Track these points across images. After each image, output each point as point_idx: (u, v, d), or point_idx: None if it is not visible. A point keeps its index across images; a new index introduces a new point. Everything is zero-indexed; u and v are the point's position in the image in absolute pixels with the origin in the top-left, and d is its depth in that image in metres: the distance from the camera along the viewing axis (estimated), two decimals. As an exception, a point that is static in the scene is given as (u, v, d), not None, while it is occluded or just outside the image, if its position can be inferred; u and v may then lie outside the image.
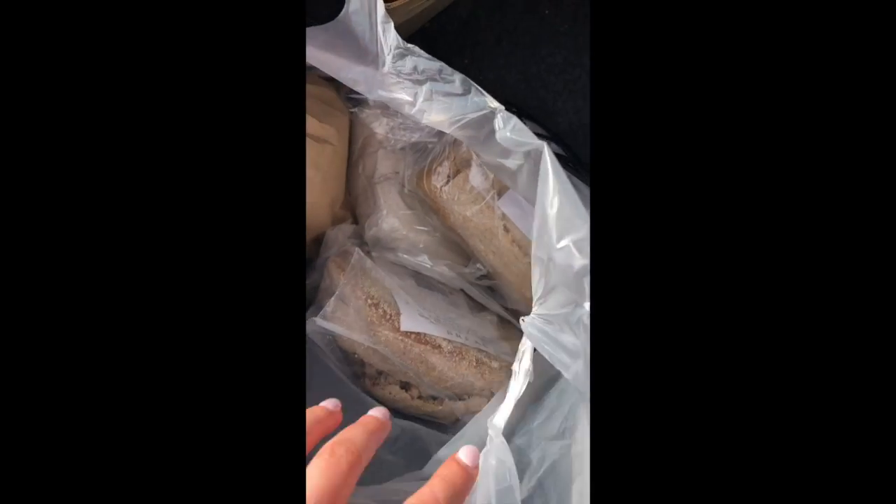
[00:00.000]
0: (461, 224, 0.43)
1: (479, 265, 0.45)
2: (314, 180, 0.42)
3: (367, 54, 0.33)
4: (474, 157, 0.43)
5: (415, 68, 0.32)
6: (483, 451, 0.28)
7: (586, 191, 0.49)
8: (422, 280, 0.46)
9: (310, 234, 0.45)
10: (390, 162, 0.47)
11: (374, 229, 0.45)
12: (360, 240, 0.47)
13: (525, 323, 0.30)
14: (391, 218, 0.45)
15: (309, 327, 0.41)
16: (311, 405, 0.48)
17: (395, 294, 0.41)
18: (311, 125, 0.42)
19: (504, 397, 0.32)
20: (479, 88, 0.33)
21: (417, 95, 0.32)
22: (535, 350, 0.31)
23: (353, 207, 0.50)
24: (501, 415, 0.30)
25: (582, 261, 0.27)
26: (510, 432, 0.34)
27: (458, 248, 0.47)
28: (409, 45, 0.33)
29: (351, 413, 0.38)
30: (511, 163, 0.32)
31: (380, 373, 0.42)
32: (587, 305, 0.28)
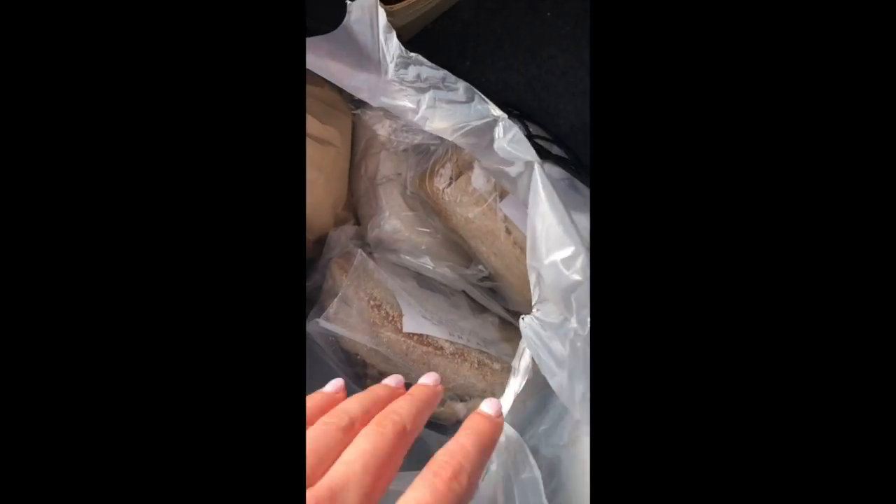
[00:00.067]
0: (463, 226, 0.44)
1: (480, 267, 0.45)
2: (317, 181, 0.43)
3: (370, 62, 0.34)
4: (476, 159, 0.43)
5: (418, 76, 0.33)
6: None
7: (587, 192, 0.49)
8: (423, 281, 0.47)
9: (312, 234, 0.46)
10: (392, 163, 0.47)
11: (376, 230, 0.45)
12: (362, 241, 0.47)
13: (524, 323, 0.31)
14: (393, 219, 0.45)
15: (312, 328, 0.41)
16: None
17: (398, 295, 0.42)
18: (314, 127, 0.42)
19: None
20: (483, 96, 0.33)
21: (420, 103, 0.33)
22: None
23: (355, 208, 0.50)
24: (504, 407, 0.31)
25: (569, 278, 0.28)
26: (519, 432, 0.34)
27: (460, 249, 0.47)
28: (412, 54, 0.33)
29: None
30: (512, 170, 0.33)
31: (382, 374, 0.43)
32: (574, 321, 0.28)
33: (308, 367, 0.41)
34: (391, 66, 0.33)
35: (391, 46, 0.33)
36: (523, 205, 0.43)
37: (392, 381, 0.29)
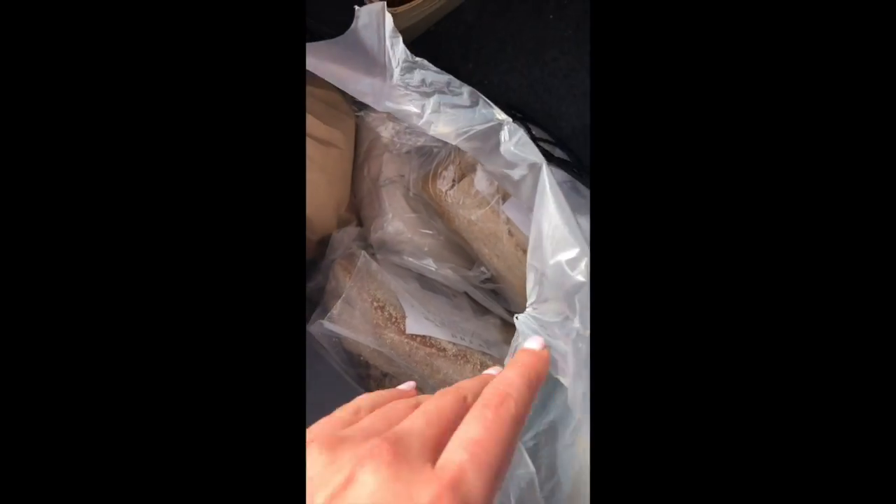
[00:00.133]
0: (466, 228, 0.44)
1: (483, 268, 0.46)
2: (320, 183, 0.43)
3: (375, 67, 0.34)
4: (480, 163, 0.43)
5: (423, 81, 0.33)
6: None
7: (588, 194, 0.50)
8: (426, 283, 0.47)
9: (315, 235, 0.46)
10: (395, 165, 0.47)
11: (379, 232, 0.46)
12: (365, 242, 0.48)
13: (519, 321, 0.31)
14: (396, 221, 0.46)
15: (315, 329, 0.41)
16: (315, 406, 0.49)
17: (401, 297, 0.42)
18: (318, 128, 0.43)
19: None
20: (488, 101, 0.33)
21: (425, 107, 0.33)
22: None
23: (357, 210, 0.50)
24: None
25: (573, 279, 0.28)
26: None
27: (462, 251, 0.47)
28: (418, 59, 0.33)
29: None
30: (516, 173, 0.33)
31: (385, 375, 0.43)
32: (577, 321, 0.29)
33: (311, 368, 0.41)
34: (396, 71, 0.33)
35: (397, 51, 0.33)
36: (526, 208, 0.44)
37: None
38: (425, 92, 0.33)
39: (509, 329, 0.47)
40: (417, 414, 0.22)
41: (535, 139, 0.48)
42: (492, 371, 0.28)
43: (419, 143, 0.46)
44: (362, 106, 0.47)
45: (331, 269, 0.44)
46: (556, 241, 0.29)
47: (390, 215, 0.46)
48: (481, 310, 0.48)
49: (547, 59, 0.55)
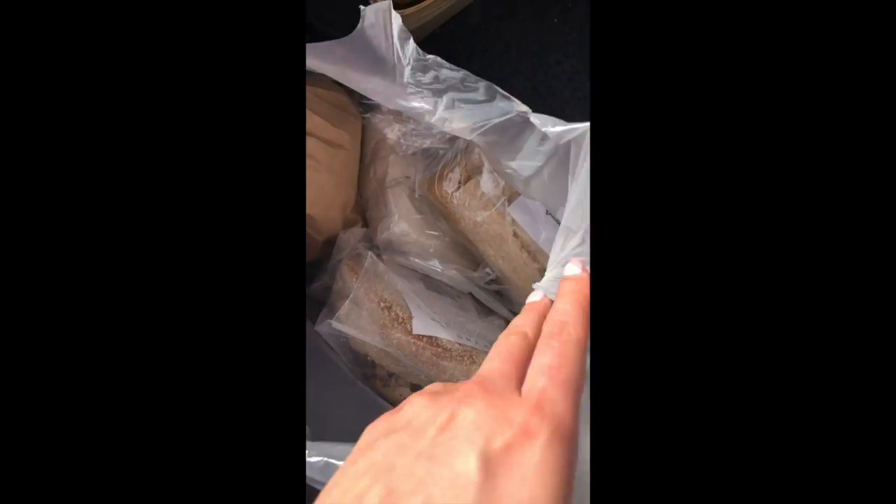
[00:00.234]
0: (471, 229, 0.44)
1: (487, 269, 0.46)
2: (327, 184, 0.43)
3: (384, 66, 0.34)
4: (486, 163, 0.43)
5: (435, 78, 0.33)
6: None
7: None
8: (431, 284, 0.47)
9: (321, 236, 0.46)
10: (401, 167, 0.48)
11: (385, 233, 0.46)
12: (371, 243, 0.48)
13: (540, 284, 0.30)
14: (402, 222, 0.46)
15: (323, 329, 0.41)
16: (316, 407, 0.49)
17: (407, 297, 0.42)
18: (326, 130, 0.43)
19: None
20: (505, 94, 0.33)
21: (438, 104, 0.33)
22: None
23: (363, 211, 0.50)
24: None
25: None
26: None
27: (468, 252, 0.47)
28: (430, 56, 0.34)
29: (360, 413, 0.39)
30: (531, 166, 0.33)
31: (391, 374, 0.43)
32: None
33: (318, 368, 0.41)
34: (407, 70, 0.33)
35: (407, 50, 0.33)
36: (532, 207, 0.44)
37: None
38: (437, 89, 0.33)
39: (514, 330, 0.47)
40: (491, 357, 0.24)
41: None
42: (534, 297, 0.29)
43: (425, 145, 0.46)
44: (369, 107, 0.48)
45: (337, 270, 0.44)
46: None
47: (396, 216, 0.46)
48: (486, 311, 0.48)
49: (551, 62, 0.56)
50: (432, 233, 0.46)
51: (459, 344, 0.42)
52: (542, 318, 0.26)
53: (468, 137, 0.33)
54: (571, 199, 0.30)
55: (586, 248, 0.29)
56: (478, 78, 0.33)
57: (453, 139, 0.45)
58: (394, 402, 0.43)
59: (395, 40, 0.34)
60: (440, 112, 0.33)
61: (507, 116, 0.32)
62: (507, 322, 0.47)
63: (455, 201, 0.44)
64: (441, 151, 0.45)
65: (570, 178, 0.31)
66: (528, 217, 0.44)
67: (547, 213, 0.44)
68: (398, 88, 0.34)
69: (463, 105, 0.33)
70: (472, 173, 0.44)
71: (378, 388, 0.44)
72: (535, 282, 0.31)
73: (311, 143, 0.42)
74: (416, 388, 0.43)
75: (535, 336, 0.25)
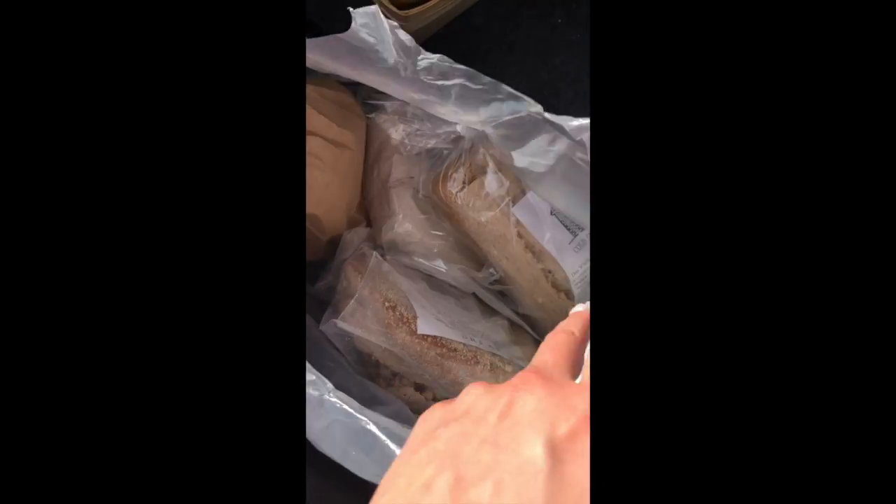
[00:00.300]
0: (475, 230, 0.44)
1: (491, 270, 0.46)
2: (332, 184, 0.43)
3: (388, 61, 0.34)
4: (490, 163, 0.43)
5: (442, 75, 0.33)
6: None
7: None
8: (434, 284, 0.47)
9: (325, 236, 0.46)
10: (405, 167, 0.48)
11: (389, 233, 0.46)
12: (374, 243, 0.48)
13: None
14: (406, 223, 0.46)
15: (327, 329, 0.41)
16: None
17: (412, 297, 0.42)
18: (330, 130, 0.43)
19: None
20: (516, 92, 0.33)
21: (446, 97, 0.33)
22: None
23: (367, 211, 0.50)
24: None
25: None
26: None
27: (471, 252, 0.47)
28: (436, 56, 0.33)
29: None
30: (542, 164, 0.33)
31: (395, 374, 0.43)
32: None
33: (321, 367, 0.41)
34: (410, 64, 0.33)
35: (410, 49, 0.33)
36: (536, 207, 0.44)
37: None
38: (444, 85, 0.33)
39: (517, 330, 0.47)
40: (542, 351, 0.25)
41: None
42: (579, 308, 0.30)
43: (430, 145, 0.46)
44: (373, 107, 0.48)
45: (342, 270, 0.44)
46: None
47: (400, 216, 0.46)
48: (489, 311, 0.48)
49: (555, 63, 0.56)
50: (436, 233, 0.46)
51: (464, 344, 0.42)
52: (587, 322, 0.27)
53: (479, 128, 0.33)
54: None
55: None
56: (486, 77, 0.33)
57: (458, 139, 0.45)
58: (397, 403, 0.43)
59: (390, 36, 0.33)
60: (450, 104, 0.33)
61: (519, 115, 0.32)
62: (511, 322, 0.47)
63: (459, 202, 0.44)
64: (445, 152, 0.45)
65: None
66: (532, 217, 0.44)
67: (552, 212, 0.44)
68: (404, 82, 0.34)
69: (471, 100, 0.33)
70: (476, 173, 0.44)
71: (382, 388, 0.44)
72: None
73: (315, 143, 0.42)
74: (420, 388, 0.43)
75: (582, 336, 0.26)
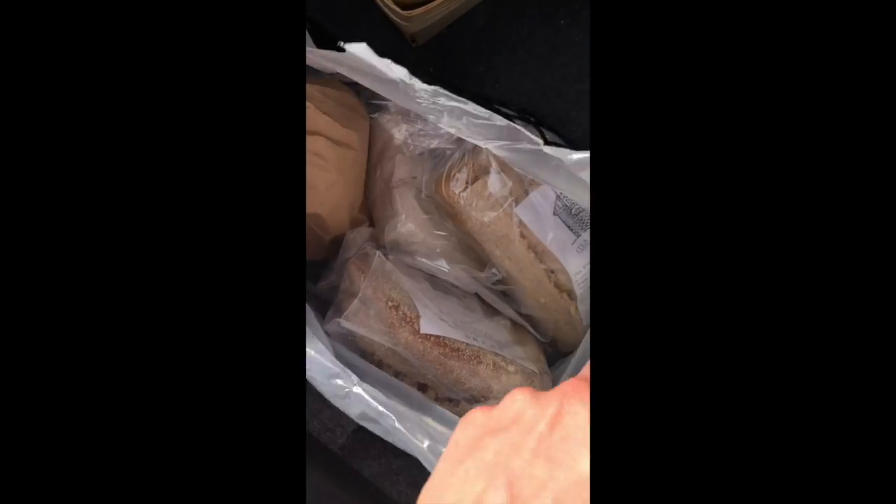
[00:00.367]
0: (478, 230, 0.44)
1: (494, 270, 0.46)
2: (336, 184, 0.43)
3: (387, 74, 0.34)
4: (493, 164, 0.44)
5: (438, 102, 0.33)
6: None
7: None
8: (436, 284, 0.47)
9: (329, 235, 0.46)
10: (408, 167, 0.48)
11: (392, 233, 0.46)
12: (377, 243, 0.48)
13: None
14: (409, 223, 0.46)
15: (331, 328, 0.42)
16: (321, 404, 0.49)
17: (415, 297, 0.42)
18: (334, 130, 0.43)
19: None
20: (515, 125, 0.33)
21: (443, 116, 0.33)
22: None
23: (369, 210, 0.51)
24: None
25: None
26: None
27: (474, 252, 0.48)
28: (432, 87, 0.34)
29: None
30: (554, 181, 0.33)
31: (398, 373, 0.43)
32: None
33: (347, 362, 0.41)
34: (409, 85, 0.33)
35: (412, 83, 0.33)
36: (539, 208, 0.44)
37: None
38: (441, 109, 0.33)
39: (520, 331, 0.48)
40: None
41: (547, 143, 0.48)
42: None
43: (433, 146, 0.46)
44: (377, 107, 0.48)
45: (345, 269, 0.44)
46: None
47: (403, 216, 0.46)
48: (491, 311, 0.48)
49: (558, 64, 0.56)
50: (439, 233, 0.46)
51: (467, 344, 0.42)
52: None
53: (481, 146, 0.33)
54: None
55: None
56: (483, 109, 0.33)
57: (461, 140, 0.45)
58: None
59: (388, 73, 0.34)
60: (446, 121, 0.33)
61: (518, 145, 0.32)
62: (513, 322, 0.48)
63: (462, 202, 0.44)
64: (448, 152, 0.46)
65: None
66: (535, 218, 0.44)
67: (554, 213, 0.44)
68: (404, 96, 0.34)
69: (473, 127, 0.33)
70: (479, 174, 0.44)
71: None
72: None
73: (319, 143, 0.42)
74: (422, 387, 0.43)
75: None
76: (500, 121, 0.33)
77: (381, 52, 0.46)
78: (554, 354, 0.50)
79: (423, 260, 0.46)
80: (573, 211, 0.45)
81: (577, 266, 0.45)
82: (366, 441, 0.51)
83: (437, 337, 0.41)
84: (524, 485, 0.19)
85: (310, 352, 0.37)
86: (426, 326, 0.41)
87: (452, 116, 0.33)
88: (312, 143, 0.42)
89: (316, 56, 0.38)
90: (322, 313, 0.44)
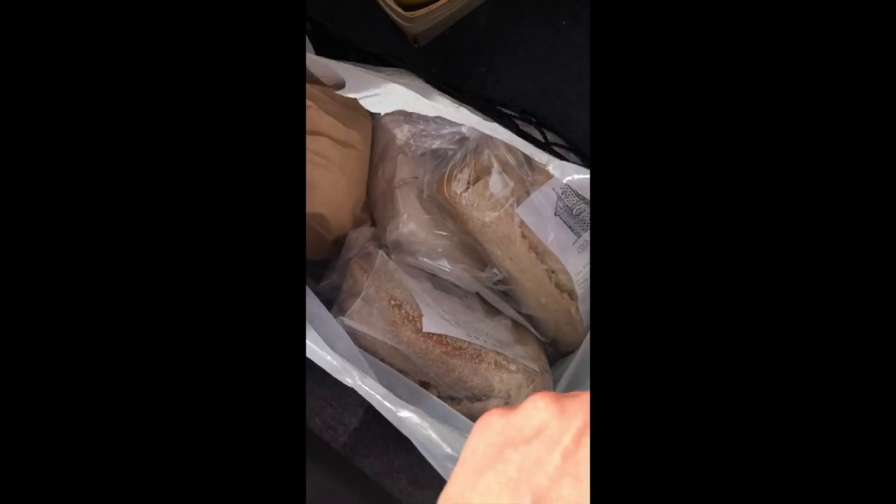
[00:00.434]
0: (479, 230, 0.45)
1: (495, 270, 0.46)
2: (339, 183, 0.44)
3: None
4: (495, 164, 0.44)
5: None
6: None
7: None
8: (438, 283, 0.47)
9: (331, 235, 0.46)
10: (410, 167, 0.48)
11: (394, 233, 0.46)
12: (379, 242, 0.48)
13: None
14: (411, 222, 0.46)
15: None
16: (323, 402, 0.49)
17: (417, 296, 0.43)
18: (337, 130, 0.43)
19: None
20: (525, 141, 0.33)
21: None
22: None
23: (371, 210, 0.51)
24: None
25: None
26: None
27: (475, 252, 0.48)
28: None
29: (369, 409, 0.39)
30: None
31: (400, 372, 0.44)
32: None
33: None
34: None
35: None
36: (540, 208, 0.44)
37: None
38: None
39: (521, 330, 0.48)
40: None
41: (549, 143, 0.49)
42: None
43: (434, 146, 0.46)
44: (378, 108, 0.48)
45: (347, 268, 0.44)
46: None
47: (405, 216, 0.46)
48: (492, 310, 0.48)
49: (559, 64, 0.56)
50: (441, 233, 0.46)
51: (468, 342, 0.42)
52: None
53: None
54: None
55: None
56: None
57: (462, 140, 0.45)
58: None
59: None
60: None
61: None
62: (515, 322, 0.48)
63: (464, 202, 0.44)
64: (450, 152, 0.46)
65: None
66: (536, 218, 0.44)
67: (555, 213, 0.45)
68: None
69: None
70: (480, 174, 0.44)
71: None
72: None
73: (322, 143, 0.42)
74: (424, 385, 0.44)
75: None
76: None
77: (382, 53, 0.47)
78: (554, 354, 0.51)
79: (425, 260, 0.46)
80: (574, 211, 0.46)
81: (577, 266, 0.46)
82: (367, 439, 0.51)
83: (440, 336, 0.42)
84: None
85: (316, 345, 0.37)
86: (428, 325, 0.41)
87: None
88: (315, 143, 0.42)
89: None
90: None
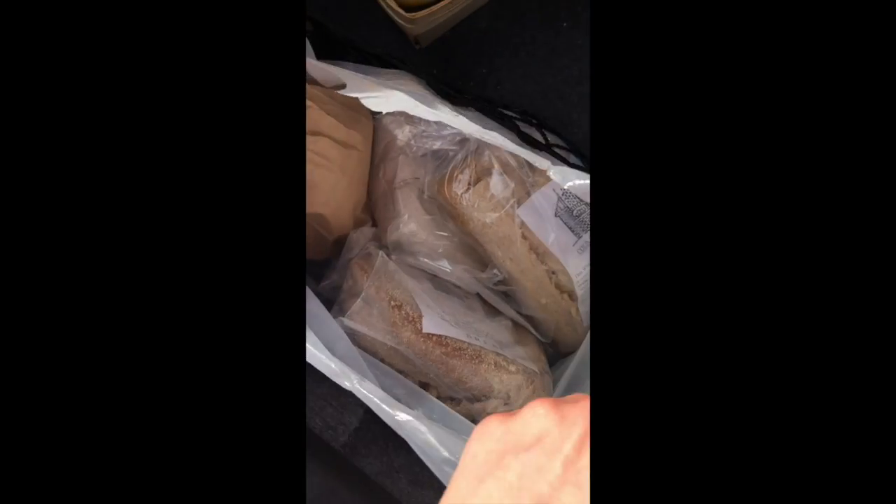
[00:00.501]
0: (480, 231, 0.45)
1: (495, 271, 0.46)
2: (340, 184, 0.44)
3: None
4: (495, 165, 0.44)
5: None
6: None
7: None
8: (438, 284, 0.48)
9: (332, 235, 0.47)
10: (411, 168, 0.48)
11: (395, 234, 0.46)
12: (380, 243, 0.48)
13: None
14: (411, 223, 0.46)
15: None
16: (323, 402, 0.49)
17: (417, 297, 0.43)
18: (338, 130, 0.43)
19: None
20: (524, 145, 0.33)
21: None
22: None
23: (372, 211, 0.51)
24: None
25: None
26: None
27: (476, 253, 0.48)
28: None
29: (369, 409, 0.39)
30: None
31: (399, 372, 0.44)
32: None
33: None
34: None
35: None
36: (541, 209, 0.45)
37: None
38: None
39: (521, 331, 0.48)
40: None
41: (549, 145, 0.49)
42: None
43: (435, 147, 0.47)
44: (379, 109, 0.48)
45: (348, 269, 0.45)
46: None
47: (406, 217, 0.46)
48: (492, 311, 0.48)
49: (560, 66, 0.56)
50: (441, 233, 0.47)
51: (468, 343, 0.42)
52: None
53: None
54: None
55: None
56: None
57: (463, 141, 0.45)
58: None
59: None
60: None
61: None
62: (515, 323, 0.48)
63: (464, 203, 0.45)
64: (451, 153, 0.46)
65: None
66: (536, 219, 0.44)
67: (556, 214, 0.45)
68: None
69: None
70: (481, 175, 0.45)
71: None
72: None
73: (323, 144, 0.42)
74: (424, 385, 0.44)
75: None
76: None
77: (384, 54, 0.47)
78: (554, 355, 0.51)
79: (426, 260, 0.46)
80: (575, 212, 0.46)
81: (578, 267, 0.46)
82: (367, 439, 0.51)
83: (439, 336, 0.42)
84: None
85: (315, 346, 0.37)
86: (428, 326, 0.41)
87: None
88: (316, 144, 0.42)
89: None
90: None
